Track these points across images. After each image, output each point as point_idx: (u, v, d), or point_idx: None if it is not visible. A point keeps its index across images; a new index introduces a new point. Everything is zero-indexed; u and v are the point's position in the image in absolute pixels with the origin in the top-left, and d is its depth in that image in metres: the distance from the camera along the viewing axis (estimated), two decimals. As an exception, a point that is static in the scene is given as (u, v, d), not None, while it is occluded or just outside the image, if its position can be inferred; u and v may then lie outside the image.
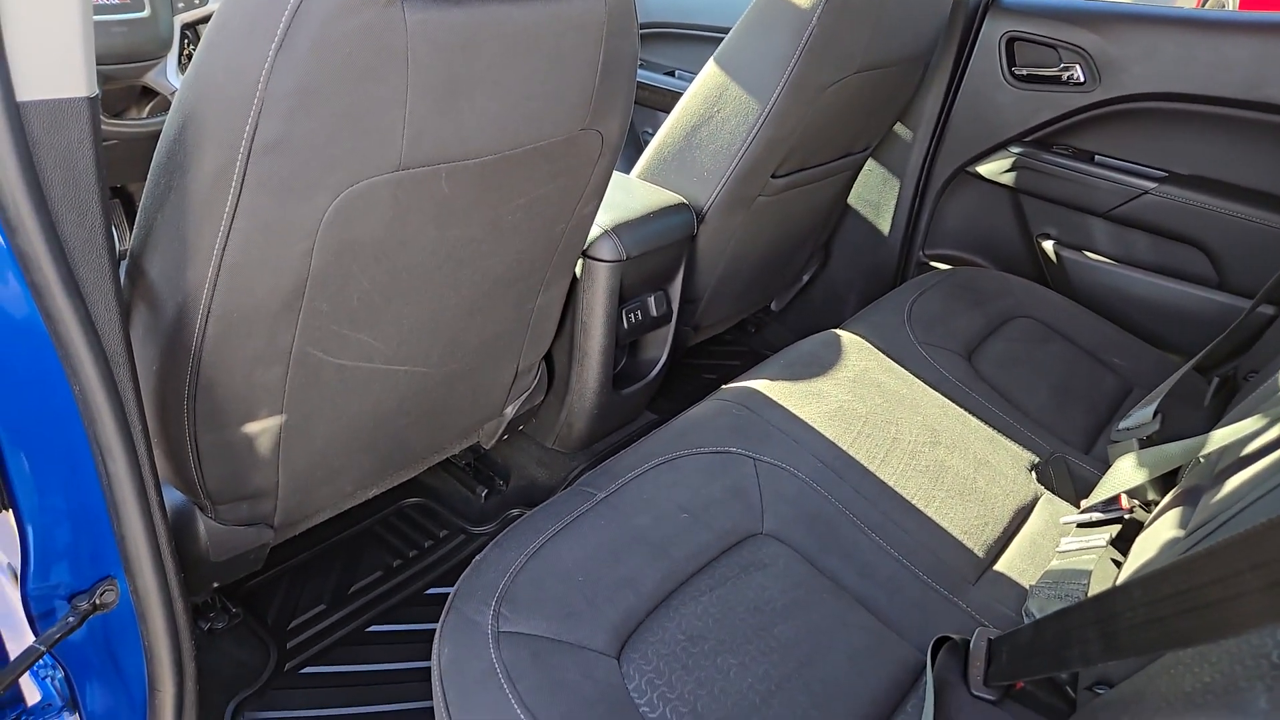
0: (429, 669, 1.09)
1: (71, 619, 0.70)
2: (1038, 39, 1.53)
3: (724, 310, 1.56)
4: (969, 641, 0.79)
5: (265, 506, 0.94)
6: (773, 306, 1.84)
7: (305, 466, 0.94)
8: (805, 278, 1.81)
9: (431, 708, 1.05)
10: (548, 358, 1.30)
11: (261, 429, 0.86)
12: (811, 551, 0.86)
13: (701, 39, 1.98)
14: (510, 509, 1.35)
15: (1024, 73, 1.56)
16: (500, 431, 1.26)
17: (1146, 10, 1.49)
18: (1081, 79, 1.51)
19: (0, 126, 0.51)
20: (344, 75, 0.64)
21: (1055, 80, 1.53)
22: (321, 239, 0.72)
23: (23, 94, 0.52)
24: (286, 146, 0.65)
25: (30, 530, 0.66)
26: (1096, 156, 1.54)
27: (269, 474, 0.91)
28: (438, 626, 0.75)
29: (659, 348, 1.40)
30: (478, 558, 0.81)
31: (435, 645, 0.73)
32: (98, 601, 0.71)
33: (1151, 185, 1.46)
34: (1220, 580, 0.48)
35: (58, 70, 0.53)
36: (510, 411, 1.24)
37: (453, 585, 1.22)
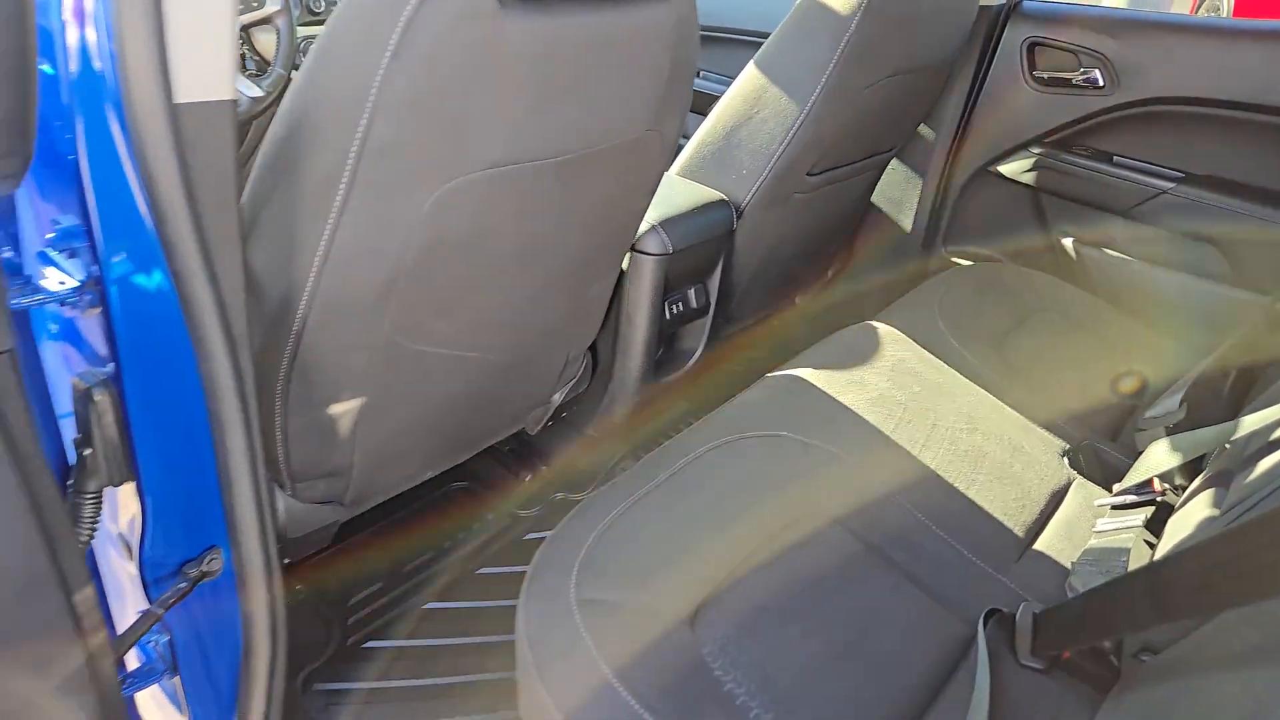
0: (485, 644, 1.14)
1: (183, 584, 0.74)
2: (1058, 44, 1.59)
3: (755, 304, 1.61)
4: (1014, 615, 0.85)
5: (339, 485, 0.99)
6: (797, 301, 1.89)
7: (378, 447, 0.99)
8: (830, 273, 1.86)
9: (489, 681, 1.10)
10: (592, 347, 1.35)
11: (344, 410, 0.91)
12: (862, 531, 0.91)
13: (726, 41, 2.02)
14: (553, 493, 1.40)
15: (1044, 76, 1.62)
16: (546, 418, 1.31)
17: (1163, 18, 1.55)
18: (1100, 83, 1.56)
19: (161, 127, 0.55)
20: (451, 82, 0.69)
21: (1075, 84, 1.58)
22: (419, 233, 0.76)
23: (178, 97, 0.56)
24: (395, 148, 0.69)
25: (150, 501, 0.71)
26: (1115, 157, 1.60)
27: (346, 453, 0.95)
28: (520, 595, 0.80)
29: (696, 339, 1.45)
30: (552, 533, 0.86)
31: (520, 612, 0.78)
32: (205, 569, 0.76)
33: (1169, 185, 1.52)
34: (1274, 544, 0.53)
35: (208, 75, 0.57)
36: (557, 398, 1.28)
37: (502, 565, 1.28)
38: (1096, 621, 0.71)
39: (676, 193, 1.33)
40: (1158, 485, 0.97)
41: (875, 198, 1.81)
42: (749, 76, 1.33)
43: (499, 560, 1.27)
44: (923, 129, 1.72)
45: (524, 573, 1.26)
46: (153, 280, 0.62)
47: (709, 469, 0.93)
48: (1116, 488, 1.01)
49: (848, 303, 1.90)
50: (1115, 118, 1.56)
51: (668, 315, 1.33)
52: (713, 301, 1.41)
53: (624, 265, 1.26)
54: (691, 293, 1.36)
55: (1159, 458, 0.95)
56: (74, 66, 0.56)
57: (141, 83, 0.54)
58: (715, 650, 0.76)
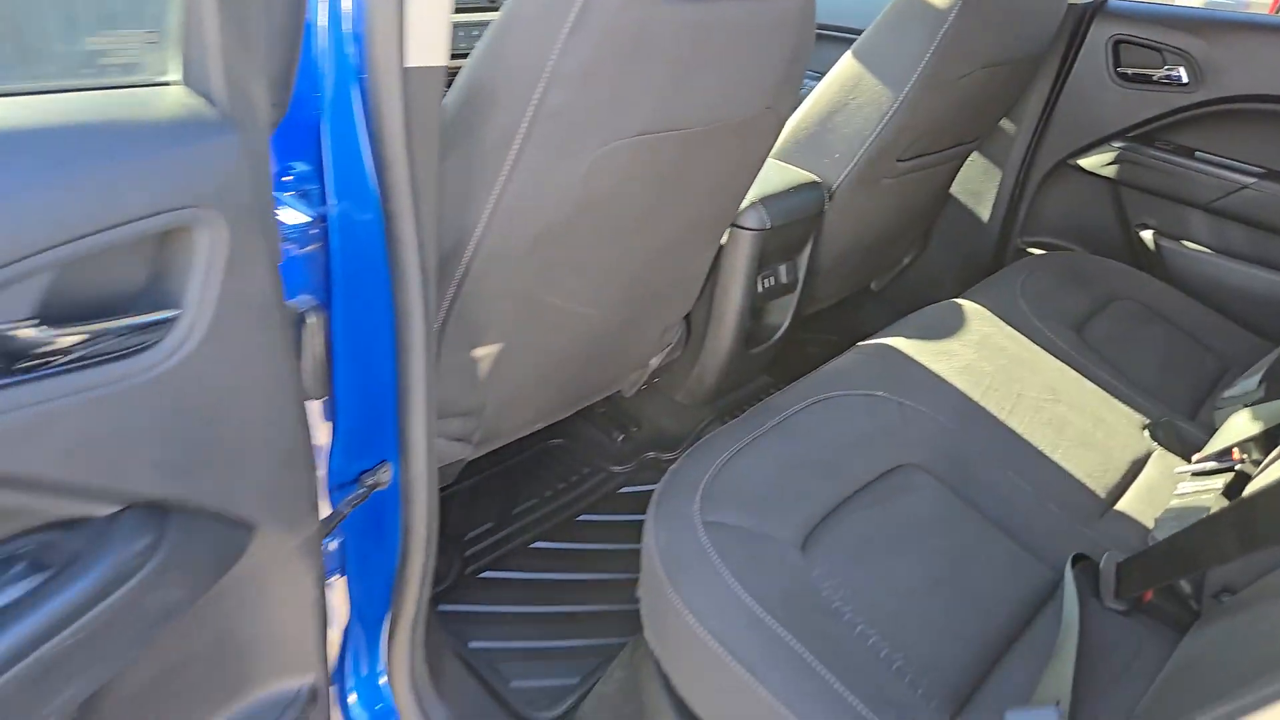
0: (589, 581, 1.24)
1: (361, 490, 0.85)
2: (1143, 42, 1.63)
3: (835, 285, 1.69)
4: (1099, 563, 0.91)
5: (471, 424, 1.10)
6: (873, 286, 1.96)
7: (507, 392, 1.09)
8: (905, 260, 1.92)
9: (594, 611, 1.20)
10: (686, 317, 1.44)
11: (485, 354, 1.01)
12: (954, 482, 0.99)
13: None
14: (644, 453, 1.50)
15: (1129, 73, 1.66)
16: (641, 381, 1.40)
17: (1248, 18, 1.58)
18: (1184, 80, 1.60)
19: (394, 87, 0.66)
20: (616, 56, 0.78)
21: (1159, 81, 1.62)
22: (572, 192, 0.86)
23: (408, 61, 0.67)
24: (564, 114, 0.79)
25: (340, 415, 0.82)
26: (1197, 153, 1.63)
27: (481, 395, 1.06)
28: (647, 518, 0.89)
29: (782, 314, 1.53)
30: (674, 466, 0.95)
31: (648, 530, 0.87)
32: (378, 479, 0.87)
33: (1250, 180, 1.55)
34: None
35: (431, 43, 0.68)
36: (654, 363, 1.38)
37: (600, 514, 1.38)
38: (1181, 559, 0.78)
39: (772, 173, 1.41)
40: (1237, 454, 1.02)
41: (954, 189, 1.86)
42: (846, 65, 1.41)
43: (596, 509, 1.37)
44: (1004, 122, 1.77)
45: (619, 520, 1.36)
46: (367, 219, 0.73)
47: (812, 419, 1.02)
48: (1196, 456, 1.06)
49: (922, 289, 1.96)
50: (1198, 114, 1.60)
51: (760, 289, 1.41)
52: (801, 279, 1.49)
53: (722, 239, 1.35)
54: (782, 269, 1.45)
55: (1239, 426, 1.01)
56: (325, 37, 0.67)
57: (383, 49, 0.65)
58: (823, 574, 0.85)
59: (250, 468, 0.58)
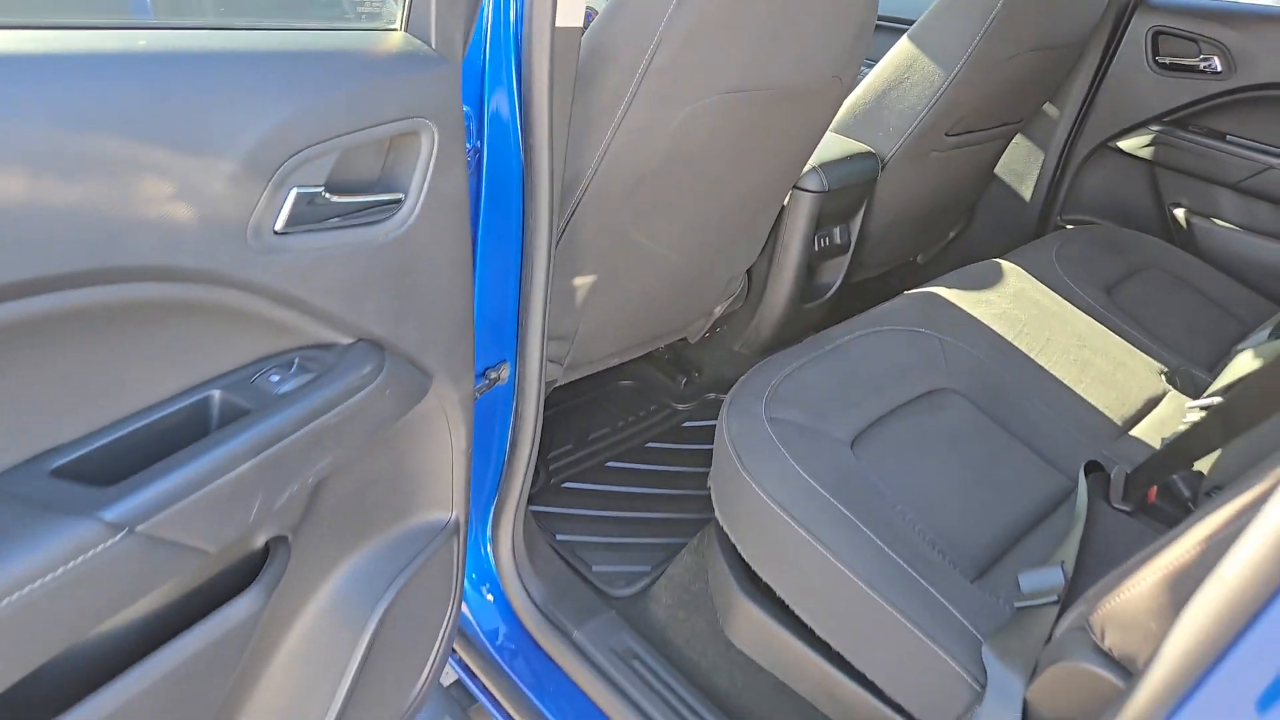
0: (657, 494, 1.41)
1: (484, 383, 1.03)
2: (1181, 33, 1.74)
3: (884, 254, 1.83)
4: (1110, 473, 1.06)
5: (564, 348, 1.27)
6: (918, 259, 2.09)
7: (595, 321, 1.26)
8: (950, 235, 2.06)
9: (660, 518, 1.36)
10: (748, 272, 1.60)
11: (581, 283, 1.19)
12: (985, 404, 1.14)
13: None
14: (705, 393, 1.66)
15: (1166, 62, 1.78)
16: (705, 329, 1.57)
17: (1281, 11, 1.69)
18: (1219, 69, 1.71)
19: (545, 42, 0.83)
20: (715, 22, 0.95)
21: (1195, 70, 1.74)
22: (667, 141, 1.03)
23: (558, 22, 0.84)
24: (669, 70, 0.96)
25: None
26: (1228, 136, 1.75)
27: (574, 321, 1.23)
28: (720, 416, 1.06)
29: (835, 273, 1.68)
30: (743, 377, 1.11)
31: (721, 425, 1.04)
32: (497, 375, 1.05)
33: (1277, 162, 1.66)
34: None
35: (573, 9, 0.85)
36: (718, 311, 1.54)
37: (665, 442, 1.55)
38: (1177, 455, 0.92)
39: (830, 144, 1.56)
40: (1241, 391, 1.15)
41: (998, 170, 1.99)
42: (902, 47, 1.55)
43: (662, 439, 1.54)
44: (1048, 106, 1.90)
45: (683, 449, 1.53)
46: (511, 151, 0.90)
47: (862, 347, 1.17)
48: (1204, 393, 1.19)
49: (964, 264, 2.09)
50: (1230, 100, 1.71)
51: (816, 248, 1.57)
52: (853, 242, 1.64)
53: (785, 201, 1.50)
54: (837, 231, 1.60)
55: (1243, 364, 1.14)
56: (489, 7, 0.85)
57: (540, 13, 0.82)
58: (869, 466, 1.01)
59: (436, 328, 0.76)
